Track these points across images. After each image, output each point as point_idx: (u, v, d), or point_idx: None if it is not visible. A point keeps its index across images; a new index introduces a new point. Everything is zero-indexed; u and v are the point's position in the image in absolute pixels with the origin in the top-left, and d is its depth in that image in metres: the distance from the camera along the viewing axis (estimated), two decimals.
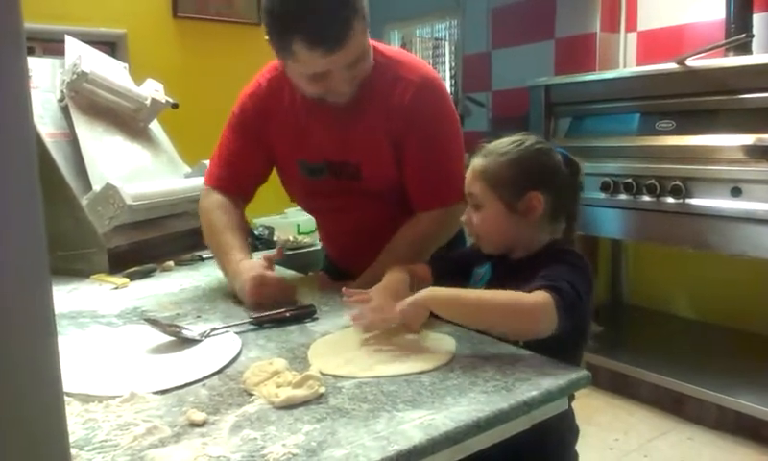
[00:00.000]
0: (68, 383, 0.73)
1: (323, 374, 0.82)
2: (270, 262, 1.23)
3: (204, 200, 1.38)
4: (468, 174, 1.09)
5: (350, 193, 1.31)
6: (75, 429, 0.69)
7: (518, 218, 1.05)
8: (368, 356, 0.90)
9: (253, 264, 1.20)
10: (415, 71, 1.25)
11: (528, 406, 0.76)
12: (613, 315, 3.11)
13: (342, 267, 1.43)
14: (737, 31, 2.40)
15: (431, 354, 0.90)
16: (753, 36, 2.42)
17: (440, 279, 1.15)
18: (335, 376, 0.84)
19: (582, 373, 0.84)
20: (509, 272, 1.06)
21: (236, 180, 1.38)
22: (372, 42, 1.25)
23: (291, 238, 2.66)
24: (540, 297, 0.88)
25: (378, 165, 1.27)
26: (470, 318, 0.94)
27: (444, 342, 0.95)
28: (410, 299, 0.94)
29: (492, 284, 1.09)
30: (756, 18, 2.47)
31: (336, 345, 0.97)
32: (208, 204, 1.36)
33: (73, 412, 0.73)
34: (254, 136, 1.36)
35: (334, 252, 1.53)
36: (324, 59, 1.08)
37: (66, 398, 0.72)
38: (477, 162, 1.08)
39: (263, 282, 1.15)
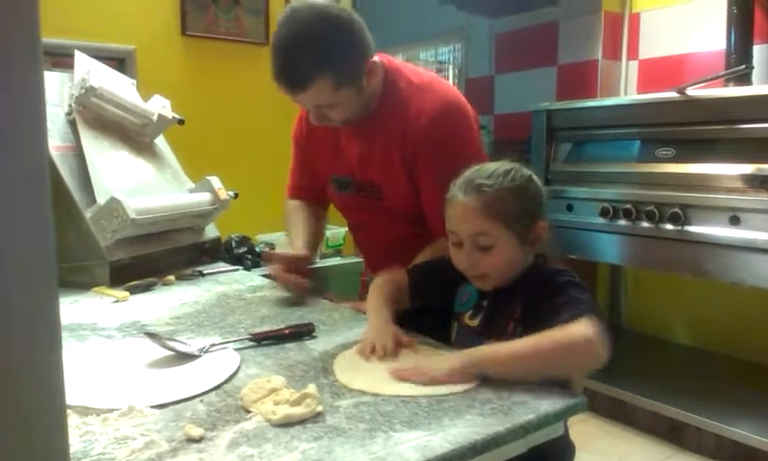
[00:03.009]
0: (67, 395, 0.74)
1: (349, 388, 0.86)
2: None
3: (288, 206, 1.59)
4: (468, 213, 1.01)
5: (374, 211, 1.38)
6: (73, 442, 0.70)
7: (527, 249, 1.03)
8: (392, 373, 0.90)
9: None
10: (435, 99, 1.26)
11: (524, 430, 0.77)
12: (612, 341, 3.10)
13: None
14: (737, 62, 2.43)
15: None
16: (753, 67, 2.45)
17: (418, 291, 1.15)
18: (361, 391, 0.85)
19: (579, 397, 0.85)
20: (497, 293, 1.05)
21: (302, 189, 1.56)
22: (400, 66, 1.32)
23: None
24: (587, 326, 0.86)
25: (396, 188, 1.31)
26: (529, 370, 0.87)
27: None
28: (460, 361, 0.87)
29: (481, 306, 1.08)
30: (757, 50, 2.50)
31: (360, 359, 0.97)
32: (286, 208, 1.58)
33: (71, 424, 0.73)
34: (303, 151, 1.51)
35: (368, 264, 1.58)
36: (287, 94, 1.20)
37: None
38: (475, 200, 1.00)
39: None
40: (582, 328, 0.86)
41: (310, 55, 1.14)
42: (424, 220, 1.31)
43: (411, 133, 1.25)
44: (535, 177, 1.06)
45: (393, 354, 0.96)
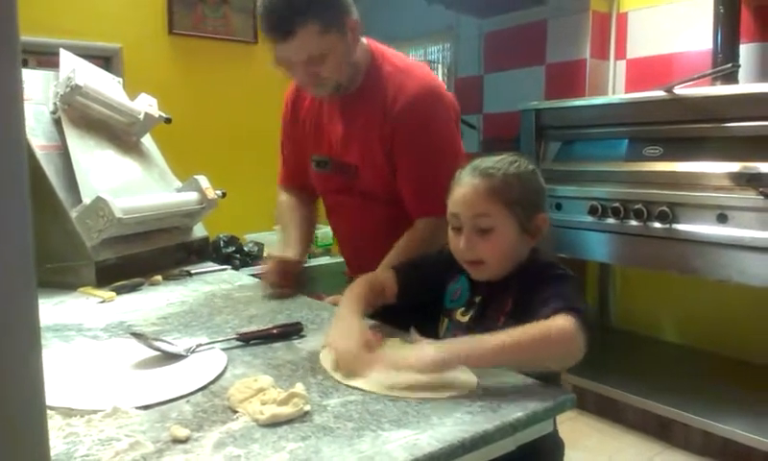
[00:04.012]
0: (51, 397, 0.72)
1: (339, 381, 0.86)
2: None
3: (278, 198, 1.61)
4: (472, 194, 1.01)
5: (350, 192, 1.41)
6: (56, 444, 0.69)
7: (527, 240, 1.03)
8: (385, 372, 0.88)
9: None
10: (415, 82, 1.30)
11: (513, 428, 0.77)
12: (601, 339, 3.12)
13: (354, 266, 1.51)
14: (724, 60, 2.45)
15: (450, 382, 0.86)
16: (739, 65, 2.47)
17: (406, 289, 1.14)
18: (354, 388, 0.85)
19: (567, 395, 0.85)
20: (490, 288, 1.05)
21: (292, 177, 1.58)
22: (384, 50, 1.37)
23: None
24: (566, 321, 0.86)
25: (374, 168, 1.35)
26: (502, 363, 0.88)
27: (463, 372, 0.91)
28: (434, 356, 0.84)
29: (473, 301, 1.07)
30: (743, 48, 2.52)
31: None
32: (279, 202, 1.60)
33: (55, 426, 0.72)
34: (290, 135, 1.53)
35: (344, 251, 1.58)
36: (277, 46, 1.22)
37: (48, 411, 0.71)
38: (481, 182, 1.01)
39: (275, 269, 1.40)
40: (560, 323, 0.86)
41: (295, 2, 1.19)
42: (401, 202, 1.34)
43: (390, 113, 1.29)
44: (538, 171, 1.08)
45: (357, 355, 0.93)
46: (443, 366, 0.84)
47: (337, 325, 1.00)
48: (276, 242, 1.61)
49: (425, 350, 0.86)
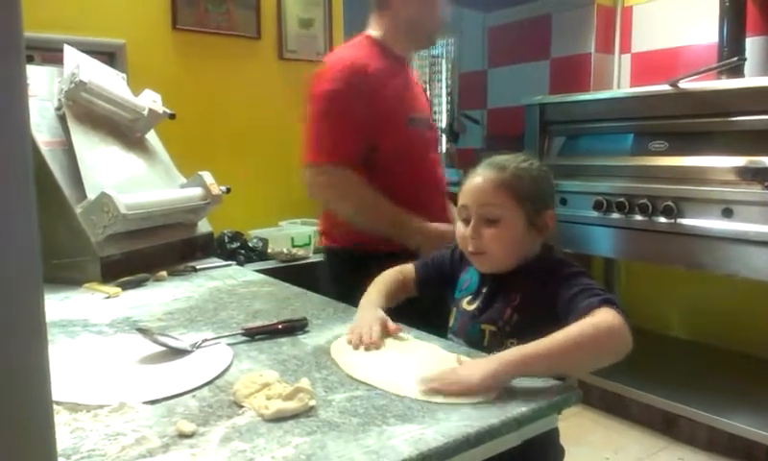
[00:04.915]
0: (57, 392, 0.73)
1: (353, 378, 0.86)
2: None
3: (340, 176, 1.48)
4: (482, 184, 1.04)
5: (429, 146, 1.66)
6: (62, 438, 0.69)
7: (534, 235, 1.04)
8: (400, 370, 0.88)
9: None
10: None
11: (518, 422, 0.76)
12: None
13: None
14: (730, 54, 2.44)
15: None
16: (745, 59, 2.46)
17: (424, 283, 1.19)
18: (368, 385, 0.84)
19: (572, 390, 0.84)
20: (498, 279, 1.06)
21: (356, 153, 1.50)
22: None
23: (285, 250, 2.66)
24: (610, 315, 0.85)
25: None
26: (561, 368, 0.86)
27: None
28: (490, 368, 0.81)
29: (480, 291, 1.08)
30: (749, 42, 2.51)
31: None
32: (355, 181, 1.48)
33: (61, 421, 0.73)
34: (364, 106, 1.48)
35: (425, 203, 1.55)
36: None
37: (55, 406, 0.72)
38: (493, 174, 1.04)
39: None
40: (606, 317, 0.86)
41: None
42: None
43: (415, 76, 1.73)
44: (550, 172, 1.10)
45: (378, 340, 0.97)
46: (494, 380, 0.80)
47: (358, 315, 1.07)
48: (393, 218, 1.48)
49: (471, 368, 0.83)
